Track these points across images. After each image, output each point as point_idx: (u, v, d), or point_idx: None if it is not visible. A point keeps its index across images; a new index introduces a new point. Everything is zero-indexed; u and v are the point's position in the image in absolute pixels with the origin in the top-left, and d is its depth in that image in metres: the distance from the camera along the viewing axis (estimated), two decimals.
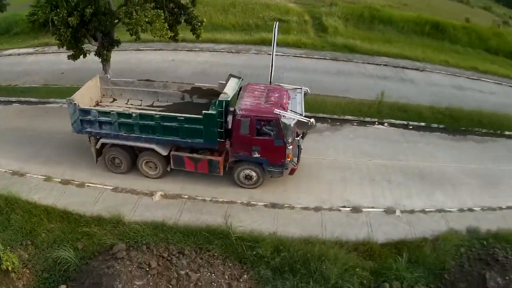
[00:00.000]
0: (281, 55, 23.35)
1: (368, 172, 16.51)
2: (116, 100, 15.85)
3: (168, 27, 15.91)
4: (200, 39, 19.15)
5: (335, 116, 19.89)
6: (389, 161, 17.24)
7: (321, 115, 19.46)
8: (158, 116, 13.38)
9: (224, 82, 14.89)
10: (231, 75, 14.99)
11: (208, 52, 25.71)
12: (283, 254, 11.45)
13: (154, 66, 23.60)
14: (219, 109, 12.79)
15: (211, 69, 23.23)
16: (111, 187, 14.68)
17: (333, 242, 12.58)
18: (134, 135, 13.91)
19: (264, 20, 30.12)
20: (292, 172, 14.27)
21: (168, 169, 14.63)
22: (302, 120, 13.02)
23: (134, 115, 13.49)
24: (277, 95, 13.77)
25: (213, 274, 10.92)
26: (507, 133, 20.69)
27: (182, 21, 17.95)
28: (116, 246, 11.37)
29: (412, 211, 14.99)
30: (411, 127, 20.02)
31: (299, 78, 21.49)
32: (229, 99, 13.20)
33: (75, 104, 13.62)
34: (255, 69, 21.75)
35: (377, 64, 26.08)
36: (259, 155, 13.22)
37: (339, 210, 14.31)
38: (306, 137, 14.54)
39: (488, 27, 33.55)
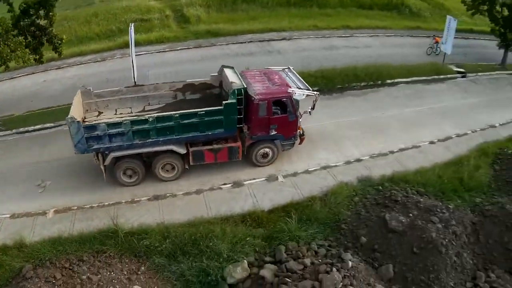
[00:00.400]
0: (145, 53, 23.30)
1: None
2: (102, 113, 14.34)
3: (30, 52, 16.57)
4: (62, 56, 19.63)
5: None
6: None
7: None
8: (177, 115, 12.78)
9: (216, 74, 15.15)
10: (223, 66, 14.98)
11: (76, 66, 25.20)
12: (171, 240, 11.77)
13: (28, 90, 22.62)
14: (238, 97, 13.07)
15: (80, 82, 22.09)
16: (8, 215, 14.07)
17: (219, 219, 12.77)
18: (150, 140, 13.02)
19: (126, 23, 29.16)
20: (301, 141, 15.44)
21: (187, 166, 14.22)
22: (310, 94, 14.20)
23: (150, 119, 12.64)
24: (276, 76, 14.76)
25: (112, 273, 11.41)
26: (388, 81, 21.99)
27: (45, 42, 18.13)
28: (25, 268, 11.65)
29: (295, 174, 15.24)
30: None
31: (164, 72, 21.40)
32: (244, 87, 13.43)
33: (78, 122, 12.34)
34: (121, 72, 21.39)
35: (241, 43, 26.48)
36: (276, 132, 14.10)
37: (221, 188, 14.37)
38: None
39: None
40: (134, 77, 15.23)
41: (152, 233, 12.06)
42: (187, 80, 15.39)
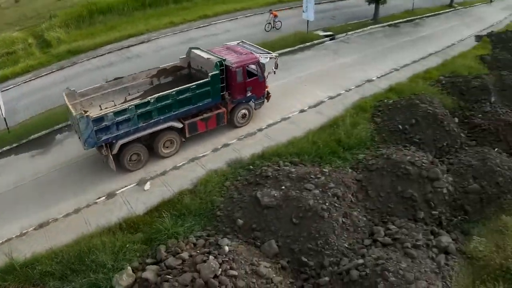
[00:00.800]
0: (12, 86, 22.25)
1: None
2: (88, 111, 13.69)
3: None
4: None
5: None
6: None
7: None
8: (174, 92, 13.92)
9: (184, 56, 16.70)
10: (191, 48, 16.69)
11: None
12: (59, 261, 11.65)
13: None
14: (220, 68, 14.82)
15: None
16: None
17: (97, 232, 12.63)
18: (153, 121, 13.96)
19: None
20: (268, 98, 17.60)
21: (183, 139, 15.38)
22: (271, 56, 16.59)
23: (152, 100, 13.59)
24: (239, 48, 16.80)
25: None
26: None
27: None
28: None
29: (164, 172, 14.88)
30: None
31: (32, 100, 20.46)
32: (223, 59, 15.23)
33: (87, 116, 12.69)
34: None
35: (101, 55, 25.36)
36: (251, 93, 16.30)
37: (96, 203, 14.05)
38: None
39: None
40: (2, 113, 15.88)
41: (42, 259, 11.90)
42: (160, 66, 16.39)
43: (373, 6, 30.69)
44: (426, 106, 16.96)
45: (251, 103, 16.86)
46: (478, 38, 31.46)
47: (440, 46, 27.69)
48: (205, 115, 15.40)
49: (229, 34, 25.93)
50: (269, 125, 17.10)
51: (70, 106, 13.55)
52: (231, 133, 16.68)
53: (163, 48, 24.80)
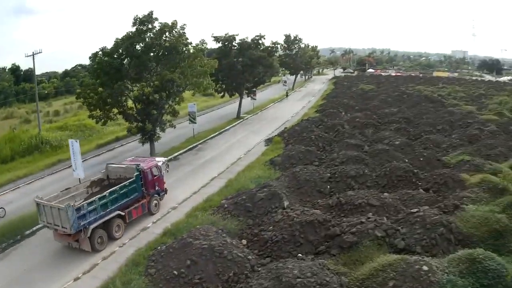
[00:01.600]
0: None
1: None
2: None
3: None
4: None
5: None
6: None
7: None
8: (118, 188, 18.01)
9: (104, 170, 20.65)
10: (108, 163, 21.24)
11: None
12: None
13: None
14: (138, 171, 19.40)
15: None
16: None
17: None
18: (108, 209, 17.35)
19: None
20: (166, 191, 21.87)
21: (125, 224, 18.45)
22: (163, 160, 22.30)
23: (107, 194, 17.36)
24: (139, 158, 21.85)
25: None
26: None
27: None
28: None
29: None
30: None
31: None
32: (139, 165, 19.80)
33: (72, 206, 15.93)
34: None
35: None
36: (158, 188, 20.76)
37: None
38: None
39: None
40: None
41: None
42: (91, 178, 20.18)
43: (148, 145, 29.50)
44: (200, 242, 14.59)
45: (158, 195, 20.91)
46: (268, 141, 33.03)
47: (224, 165, 27.29)
48: (135, 205, 19.08)
49: (12, 206, 21.42)
50: None
51: (53, 203, 16.49)
52: None
53: None
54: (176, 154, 30.80)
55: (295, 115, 44.62)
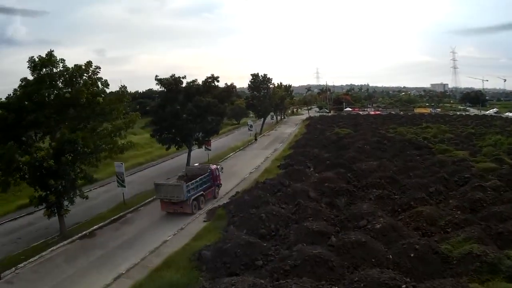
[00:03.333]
0: None
1: None
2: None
3: None
4: None
5: None
6: None
7: None
8: (199, 179, 26.78)
9: (184, 170, 30.70)
10: (187, 166, 33.62)
11: None
12: None
13: None
14: (210, 169, 29.06)
15: None
16: None
17: None
18: (198, 189, 26.35)
19: None
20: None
21: (204, 200, 27.47)
22: (219, 166, 31.87)
23: (198, 180, 26.62)
24: (206, 164, 32.95)
25: None
26: None
27: None
28: None
29: None
30: None
31: None
32: (209, 168, 29.72)
33: (185, 183, 25.46)
34: None
35: None
36: (218, 181, 29.81)
37: None
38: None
39: None
40: None
41: None
42: (178, 174, 29.91)
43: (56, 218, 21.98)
44: None
45: (218, 187, 29.89)
46: (210, 214, 24.92)
47: (142, 252, 19.89)
48: (208, 190, 27.98)
49: None
50: None
51: (171, 183, 26.51)
52: None
53: None
54: (93, 227, 23.63)
55: (255, 170, 36.96)
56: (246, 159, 43.36)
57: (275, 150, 48.35)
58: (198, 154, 39.91)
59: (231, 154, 46.85)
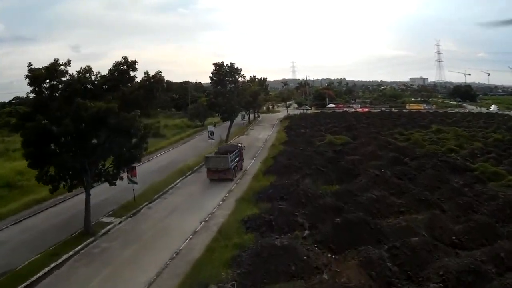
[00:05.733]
0: None
1: None
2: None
3: None
4: None
5: None
6: None
7: None
8: (235, 152, 33.26)
9: (218, 148, 36.27)
10: (219, 146, 38.75)
11: None
12: None
13: None
14: (239, 147, 35.69)
15: None
16: None
17: None
18: (234, 161, 31.86)
19: None
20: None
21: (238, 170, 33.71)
22: (242, 146, 37.45)
23: (234, 153, 32.39)
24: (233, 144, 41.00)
25: None
26: None
27: None
28: None
29: None
30: None
31: None
32: (239, 145, 37.24)
33: (229, 155, 31.27)
34: None
35: None
36: (243, 157, 36.06)
37: None
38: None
39: None
40: None
41: None
42: (215, 151, 34.97)
43: None
44: None
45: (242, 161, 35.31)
46: None
47: None
48: (239, 162, 33.81)
49: None
50: None
51: (218, 156, 31.83)
52: None
53: None
54: None
55: (201, 229, 21.15)
56: (193, 200, 26.38)
57: (244, 174, 32.67)
58: (121, 189, 23.79)
59: (175, 184, 30.33)
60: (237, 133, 56.12)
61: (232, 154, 31.17)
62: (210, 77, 50.49)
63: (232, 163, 30.88)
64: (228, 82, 50.35)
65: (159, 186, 28.76)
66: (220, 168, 30.04)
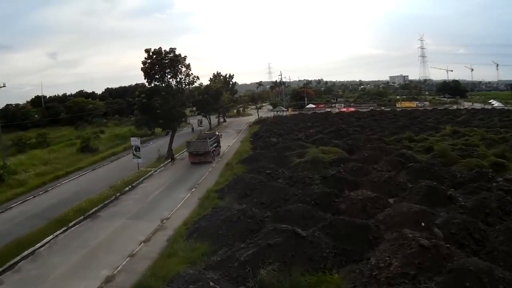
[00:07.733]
0: None
1: None
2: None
3: None
4: None
5: None
6: None
7: None
8: (214, 138, 36.47)
9: (198, 135, 40.48)
10: (200, 133, 44.27)
11: None
12: None
13: None
14: (217, 135, 38.81)
15: None
16: None
17: None
18: (213, 146, 34.33)
19: None
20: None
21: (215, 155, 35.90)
22: (218, 134, 40.97)
23: (213, 139, 35.43)
24: (211, 132, 45.62)
25: None
26: None
27: None
28: None
29: None
30: None
31: None
32: (216, 133, 41.77)
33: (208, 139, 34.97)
34: None
35: None
36: (220, 144, 39.14)
37: None
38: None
39: None
40: None
41: None
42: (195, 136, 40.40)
43: None
44: None
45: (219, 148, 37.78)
46: None
47: None
48: (215, 149, 35.25)
49: None
50: None
51: (197, 140, 34.65)
52: None
53: None
54: None
55: None
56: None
57: (167, 239, 18.21)
58: None
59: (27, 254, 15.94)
60: (184, 146, 41.35)
61: (211, 140, 33.92)
62: (141, 68, 35.89)
63: (211, 147, 33.53)
64: (166, 75, 35.83)
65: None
66: (200, 152, 32.68)
